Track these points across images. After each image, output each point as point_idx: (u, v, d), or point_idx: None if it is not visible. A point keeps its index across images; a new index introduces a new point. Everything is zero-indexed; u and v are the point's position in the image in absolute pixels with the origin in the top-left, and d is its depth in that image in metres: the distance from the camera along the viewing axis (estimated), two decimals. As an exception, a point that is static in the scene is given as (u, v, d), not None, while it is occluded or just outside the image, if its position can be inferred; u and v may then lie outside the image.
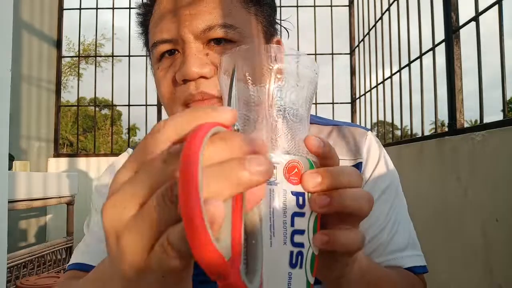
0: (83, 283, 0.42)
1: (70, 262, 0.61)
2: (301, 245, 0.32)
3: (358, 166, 0.63)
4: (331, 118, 0.72)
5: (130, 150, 0.71)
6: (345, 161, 0.64)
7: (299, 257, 0.32)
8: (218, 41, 0.55)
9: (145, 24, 0.63)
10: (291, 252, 0.31)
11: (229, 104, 0.31)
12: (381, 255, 0.58)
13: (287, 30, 0.70)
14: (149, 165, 0.24)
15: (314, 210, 0.32)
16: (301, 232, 0.32)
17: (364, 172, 0.62)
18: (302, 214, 0.32)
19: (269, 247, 0.30)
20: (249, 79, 0.33)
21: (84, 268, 0.58)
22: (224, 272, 0.21)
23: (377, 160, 0.64)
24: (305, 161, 0.32)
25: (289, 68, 0.33)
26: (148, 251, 0.24)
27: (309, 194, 0.32)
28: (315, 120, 0.70)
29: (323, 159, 0.33)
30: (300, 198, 0.32)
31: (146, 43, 0.64)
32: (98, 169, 3.55)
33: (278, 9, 0.66)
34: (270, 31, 0.62)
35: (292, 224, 0.31)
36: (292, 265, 0.31)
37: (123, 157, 0.69)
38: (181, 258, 0.23)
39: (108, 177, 0.67)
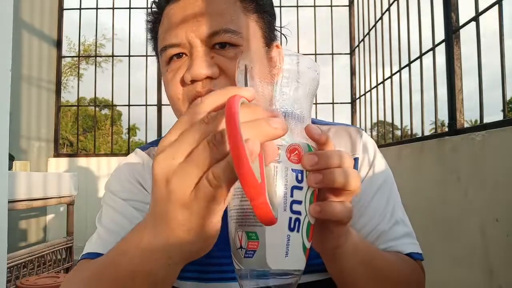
0: (110, 250, 0.45)
1: (84, 252, 0.63)
2: (298, 213, 0.38)
3: (355, 161, 0.67)
4: (331, 118, 0.75)
5: (138, 151, 0.74)
6: None
7: (297, 223, 0.38)
8: (222, 45, 0.60)
9: (154, 30, 0.68)
10: (290, 218, 0.37)
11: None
12: (382, 242, 0.62)
13: (285, 37, 0.75)
14: (192, 128, 0.32)
15: (310, 185, 0.38)
16: (299, 202, 0.38)
17: (360, 169, 0.67)
18: (300, 188, 0.38)
19: None
20: (259, 77, 0.40)
21: (98, 257, 0.59)
22: (256, 191, 0.28)
23: (372, 158, 0.68)
24: (305, 145, 0.39)
25: (292, 69, 0.40)
26: (193, 188, 0.31)
27: (307, 172, 0.38)
28: (313, 121, 0.74)
29: (320, 144, 0.40)
30: (299, 175, 0.38)
31: (155, 48, 0.69)
32: (98, 169, 3.55)
33: (278, 8, 0.69)
34: (270, 36, 0.67)
35: (292, 195, 0.38)
36: (291, 229, 0.37)
37: (131, 157, 0.74)
38: (222, 187, 0.31)
39: (116, 179, 0.70)
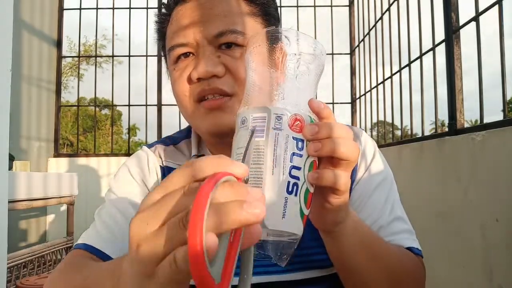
0: (98, 267, 0.48)
1: (79, 242, 0.65)
2: (297, 178, 0.40)
3: None
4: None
5: (144, 148, 0.76)
6: None
7: (295, 187, 0.40)
8: (228, 45, 0.62)
9: (162, 31, 0.71)
10: (288, 182, 0.39)
11: (244, 156, 0.40)
12: (383, 236, 0.62)
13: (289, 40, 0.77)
14: (173, 194, 0.31)
15: (310, 153, 0.41)
16: (298, 168, 0.40)
17: (360, 167, 0.68)
18: (300, 155, 0.40)
19: (271, 175, 0.39)
20: (269, 52, 0.44)
21: (91, 250, 0.62)
22: None
23: (372, 157, 0.69)
24: (307, 117, 0.41)
25: (297, 46, 0.44)
26: (158, 262, 0.30)
27: (307, 142, 0.41)
28: None
29: (322, 118, 0.42)
30: (300, 143, 0.40)
31: (163, 48, 0.72)
32: (98, 169, 3.55)
33: (278, 8, 0.71)
34: None
35: (291, 161, 0.40)
36: (289, 192, 0.39)
37: (137, 154, 0.75)
38: (182, 273, 0.28)
39: (119, 176, 0.73)
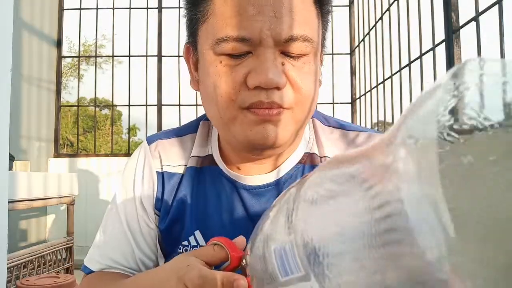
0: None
1: (87, 265, 0.66)
2: None
3: None
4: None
5: (145, 147, 0.72)
6: None
7: None
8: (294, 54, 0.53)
9: (200, 4, 0.56)
10: None
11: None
12: None
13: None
14: None
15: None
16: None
17: None
18: None
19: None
20: None
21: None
22: None
23: None
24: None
25: None
26: None
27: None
28: (339, 124, 0.68)
29: None
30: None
31: (192, 19, 0.58)
32: (98, 169, 3.55)
33: None
34: (323, 44, 0.61)
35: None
36: None
37: (137, 152, 0.72)
38: None
39: (120, 184, 0.71)
